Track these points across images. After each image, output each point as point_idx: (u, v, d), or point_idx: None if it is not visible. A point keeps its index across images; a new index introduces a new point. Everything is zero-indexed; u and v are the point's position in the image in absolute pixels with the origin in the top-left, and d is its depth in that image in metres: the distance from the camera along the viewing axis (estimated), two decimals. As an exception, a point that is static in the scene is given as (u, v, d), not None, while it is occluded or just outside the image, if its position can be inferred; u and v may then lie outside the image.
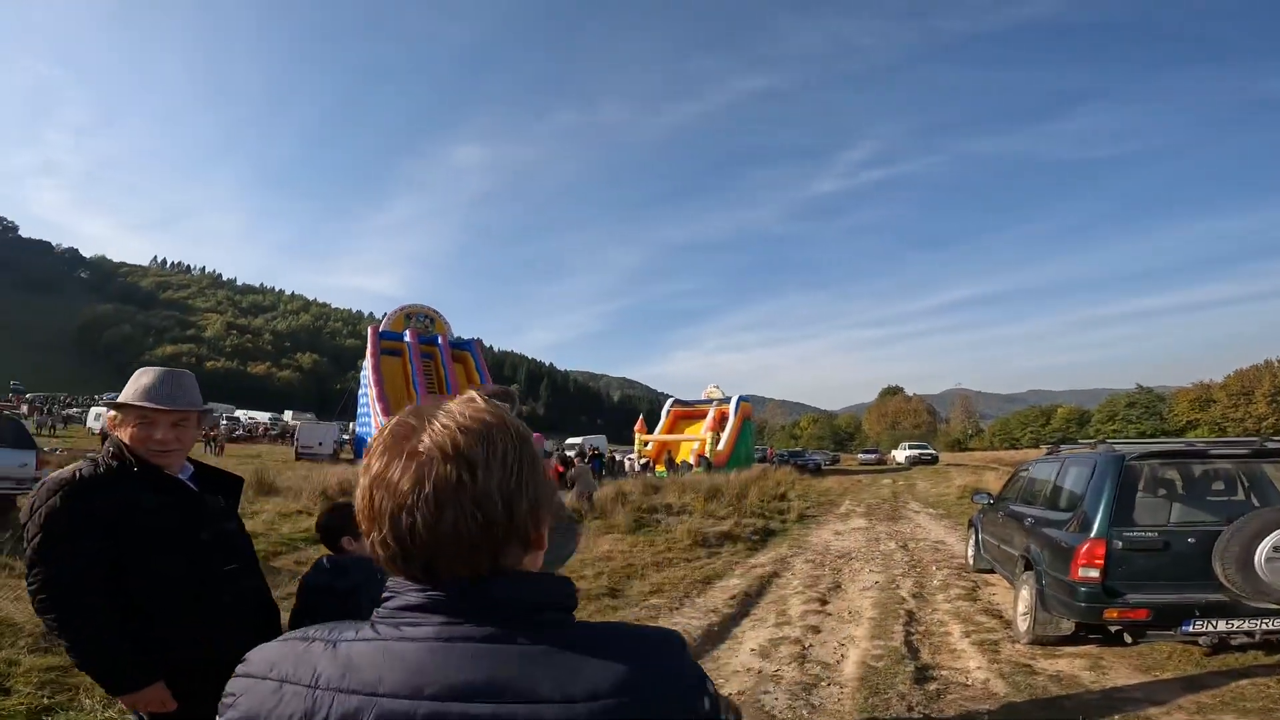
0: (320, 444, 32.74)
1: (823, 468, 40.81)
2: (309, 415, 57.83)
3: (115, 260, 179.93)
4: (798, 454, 44.25)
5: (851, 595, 7.11)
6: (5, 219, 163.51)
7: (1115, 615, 4.47)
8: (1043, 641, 5.06)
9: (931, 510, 16.86)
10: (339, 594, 2.13)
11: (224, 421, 58.54)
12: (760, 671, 4.52)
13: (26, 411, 45.26)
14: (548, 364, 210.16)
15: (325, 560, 2.20)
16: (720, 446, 32.47)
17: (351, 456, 31.94)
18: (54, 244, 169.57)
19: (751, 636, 5.42)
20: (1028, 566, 5.39)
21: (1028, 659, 4.85)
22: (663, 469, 27.79)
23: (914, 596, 7.03)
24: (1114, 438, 6.32)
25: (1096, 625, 4.66)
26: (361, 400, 33.14)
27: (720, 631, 5.53)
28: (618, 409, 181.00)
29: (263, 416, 58.39)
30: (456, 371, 35.07)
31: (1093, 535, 4.58)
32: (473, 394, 0.77)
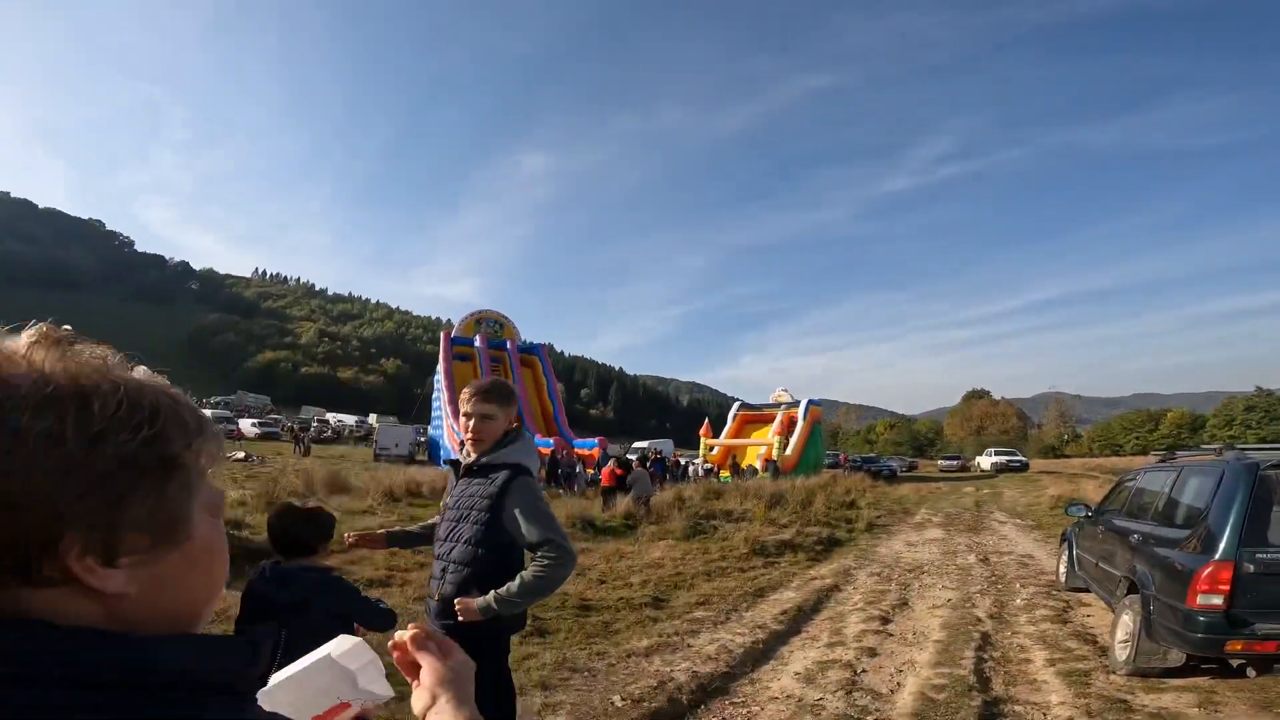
0: (397, 446, 34.12)
1: (898, 474, 38.97)
2: (391, 418, 60.42)
3: (222, 272, 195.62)
4: (871, 459, 42.44)
5: (919, 614, 6.48)
6: (122, 235, 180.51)
7: (1239, 648, 3.84)
8: (1145, 673, 4.39)
9: (1019, 521, 15.60)
10: (282, 607, 1.91)
11: (315, 424, 62.41)
12: (800, 700, 4.07)
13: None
14: (617, 369, 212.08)
15: (267, 567, 2.00)
16: (788, 451, 31.52)
17: (425, 458, 33.10)
18: (167, 257, 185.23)
19: (798, 657, 4.95)
20: (1132, 589, 4.71)
21: (1124, 693, 4.18)
22: (727, 474, 27.17)
23: (992, 617, 6.34)
24: (1239, 443, 5.46)
25: (1214, 658, 3.99)
26: (435, 404, 34.16)
27: (765, 650, 5.09)
28: (686, 413, 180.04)
29: (350, 419, 61.55)
30: (524, 375, 35.63)
31: (1217, 557, 3.93)
32: (51, 333, 0.48)
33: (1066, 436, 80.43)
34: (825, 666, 4.66)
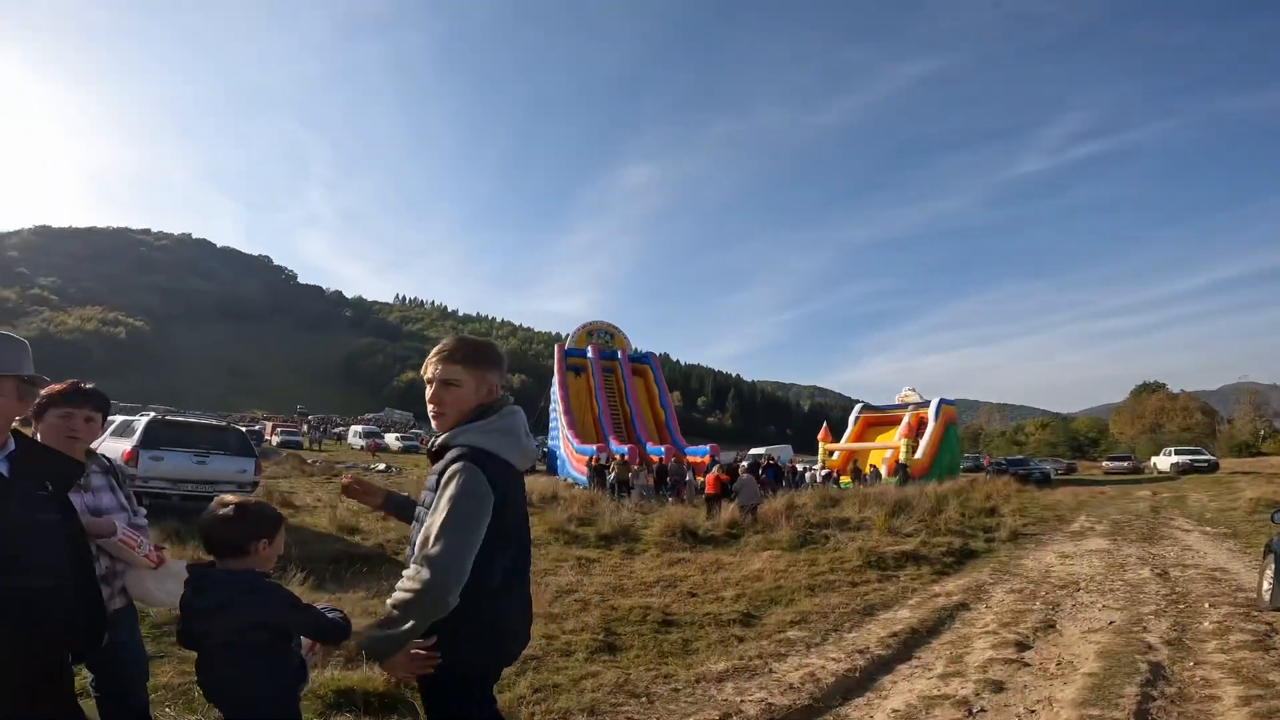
0: (520, 455, 35.47)
1: (1052, 477, 34.82)
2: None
3: (369, 299, 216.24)
4: (1019, 462, 38.27)
5: (1068, 639, 5.39)
6: (286, 268, 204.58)
7: None
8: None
9: (1209, 529, 13.19)
10: (198, 613, 1.66)
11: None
12: (896, 744, 3.36)
13: (306, 430, 55.56)
14: (734, 375, 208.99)
15: (189, 570, 1.75)
16: (918, 455, 29.13)
17: (544, 469, 34.06)
18: (324, 288, 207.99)
19: (901, 690, 4.18)
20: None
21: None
22: (848, 480, 25.49)
23: (1168, 644, 5.15)
24: None
25: None
26: (552, 416, 35.13)
27: (861, 680, 4.36)
28: (808, 418, 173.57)
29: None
30: (636, 384, 35.78)
31: None
32: None
33: (1263, 432, 68.38)
34: (932, 703, 3.86)
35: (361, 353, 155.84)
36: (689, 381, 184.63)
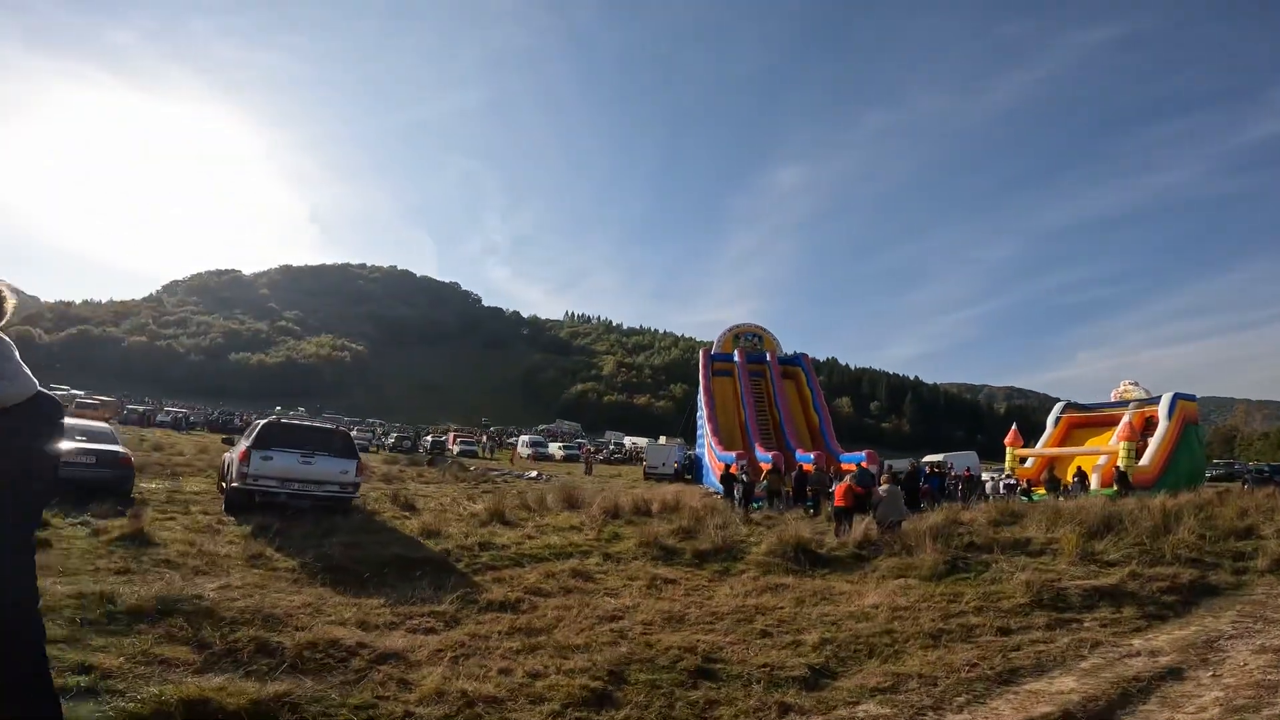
0: (664, 464, 35.08)
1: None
2: (674, 440, 63.33)
3: (543, 318, 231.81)
4: (1294, 472, 29.88)
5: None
6: (472, 293, 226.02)
7: None
8: None
9: None
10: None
11: (610, 446, 68.83)
12: None
13: (485, 440, 60.38)
14: (912, 378, 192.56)
15: None
16: (1144, 461, 23.75)
17: (690, 477, 33.02)
18: (504, 309, 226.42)
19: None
20: None
21: None
22: (1042, 491, 21.27)
23: None
24: None
25: None
26: (699, 423, 34.08)
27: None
28: (1002, 422, 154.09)
29: (642, 441, 66.33)
30: (786, 388, 33.54)
31: None
32: None
33: None
34: None
35: (537, 368, 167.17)
36: (859, 386, 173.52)
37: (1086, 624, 6.02)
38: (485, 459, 46.47)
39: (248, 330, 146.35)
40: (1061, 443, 28.88)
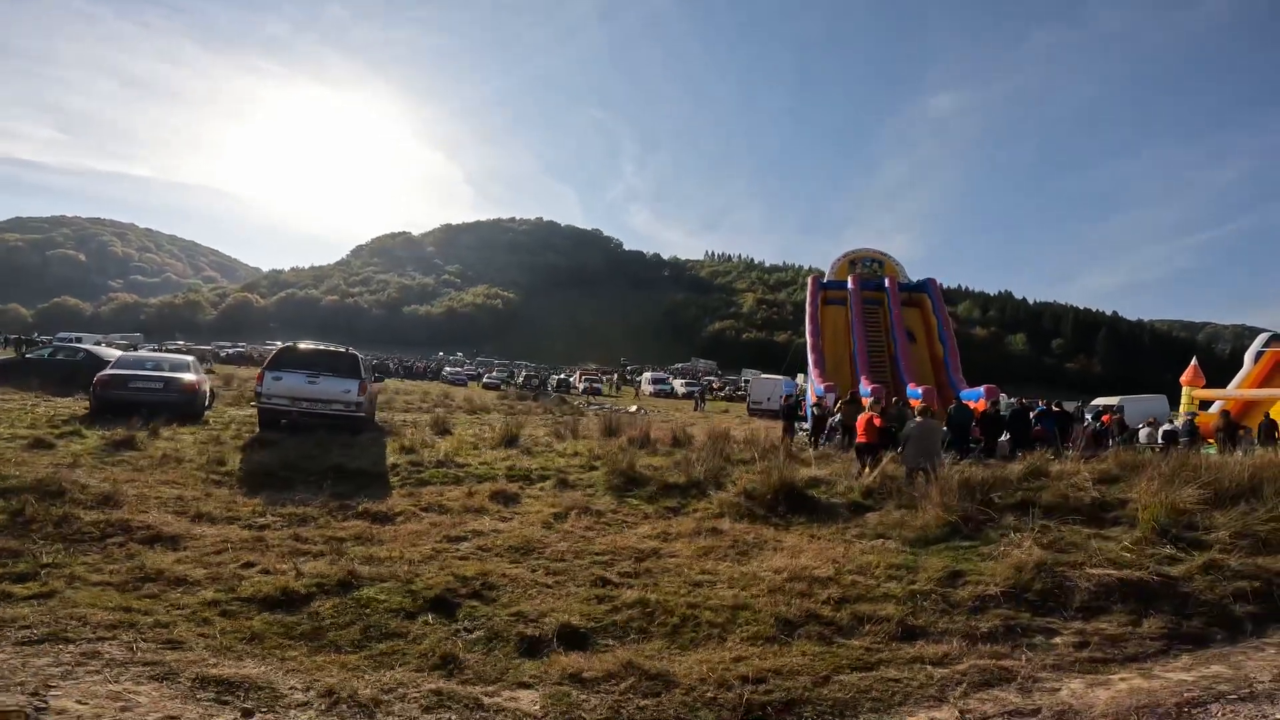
0: (769, 399, 33.35)
1: None
2: (760, 372, 60.21)
3: (684, 259, 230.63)
4: None
5: None
6: (614, 238, 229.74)
7: None
8: None
9: None
10: None
11: (743, 382, 67.74)
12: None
13: (617, 378, 62.26)
14: (1108, 313, 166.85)
15: None
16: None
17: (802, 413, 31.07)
18: (645, 252, 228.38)
19: None
20: None
21: None
22: (1214, 445, 17.01)
23: None
24: None
25: None
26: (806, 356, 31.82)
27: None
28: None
29: (778, 377, 64.34)
30: (909, 317, 30.06)
31: None
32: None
33: None
34: None
35: (678, 308, 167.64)
36: (1039, 322, 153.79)
37: (1057, 641, 4.17)
38: (610, 396, 47.75)
39: (417, 285, 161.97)
40: (1264, 383, 23.01)
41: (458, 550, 5.03)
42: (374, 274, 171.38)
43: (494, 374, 53.83)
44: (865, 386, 23.59)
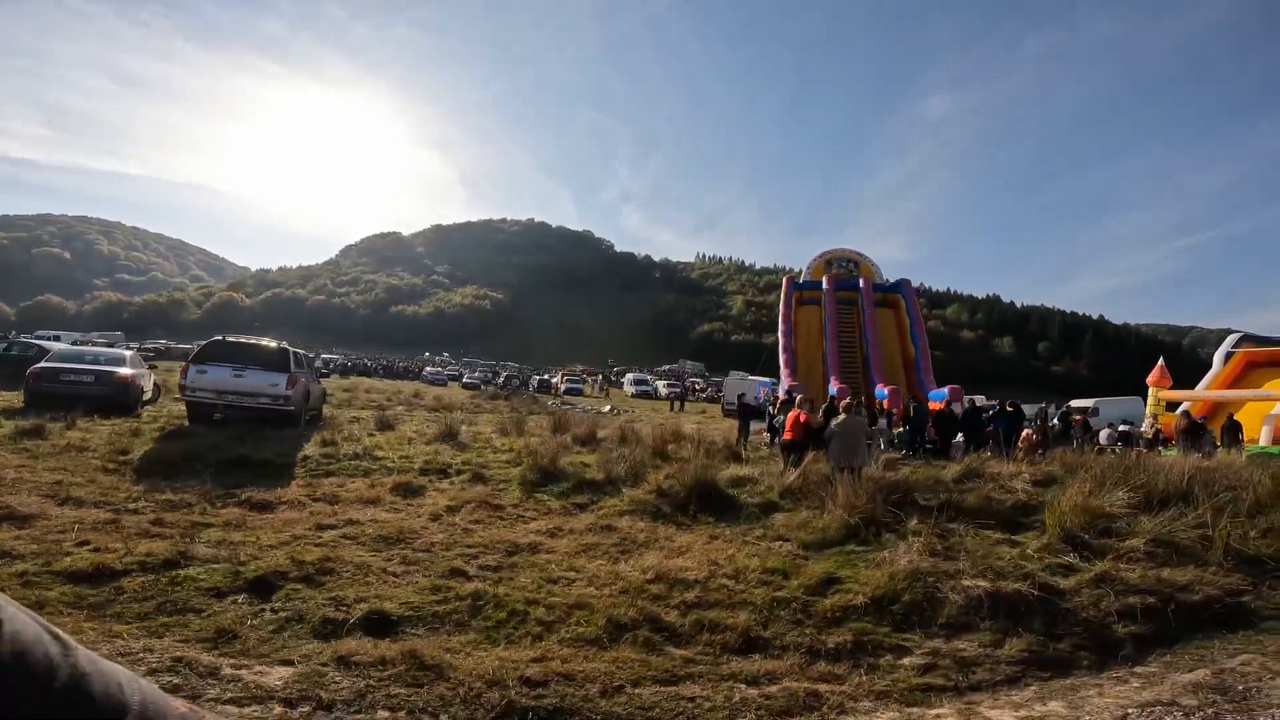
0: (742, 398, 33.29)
1: None
2: (747, 374, 60.14)
3: (674, 260, 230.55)
4: None
5: None
6: (605, 240, 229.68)
7: None
8: None
9: None
10: None
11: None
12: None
13: (602, 379, 62.06)
14: (1093, 317, 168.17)
15: None
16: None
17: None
18: (637, 254, 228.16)
19: None
20: None
21: None
22: (1173, 449, 17.00)
23: None
24: None
25: None
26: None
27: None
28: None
29: (757, 378, 64.16)
30: (882, 318, 30.11)
31: None
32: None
33: None
34: None
35: (668, 309, 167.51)
36: (1026, 325, 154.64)
37: (904, 662, 3.81)
38: (591, 396, 47.56)
39: (405, 285, 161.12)
40: (1233, 384, 23.06)
41: (319, 538, 4.89)
42: (362, 274, 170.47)
43: (475, 374, 53.44)
44: (834, 386, 23.55)
